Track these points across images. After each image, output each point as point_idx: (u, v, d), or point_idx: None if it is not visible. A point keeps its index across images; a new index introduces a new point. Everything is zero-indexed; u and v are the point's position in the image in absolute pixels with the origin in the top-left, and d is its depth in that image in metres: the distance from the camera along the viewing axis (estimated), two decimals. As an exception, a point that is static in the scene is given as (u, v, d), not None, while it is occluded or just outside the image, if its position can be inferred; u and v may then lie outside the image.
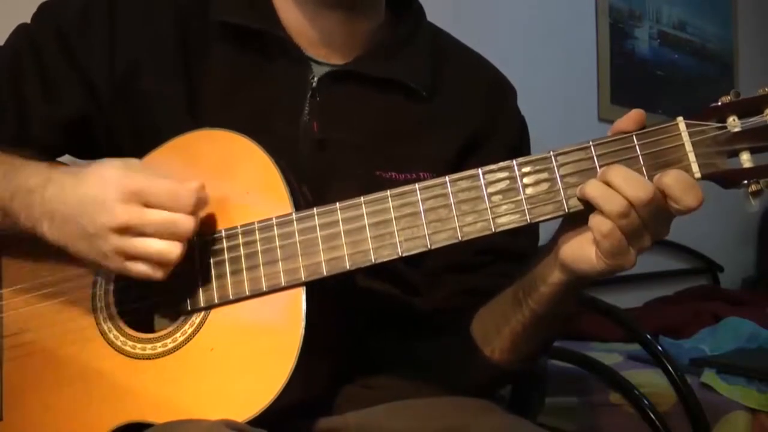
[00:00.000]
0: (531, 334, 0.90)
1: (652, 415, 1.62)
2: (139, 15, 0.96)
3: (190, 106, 0.93)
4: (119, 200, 0.78)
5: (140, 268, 0.80)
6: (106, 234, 0.79)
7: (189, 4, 0.97)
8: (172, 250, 0.79)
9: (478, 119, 1.01)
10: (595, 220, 0.76)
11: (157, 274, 0.80)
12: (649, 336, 1.75)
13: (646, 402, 1.65)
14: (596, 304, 1.84)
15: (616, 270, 0.79)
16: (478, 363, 0.95)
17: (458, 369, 0.98)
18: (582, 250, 0.79)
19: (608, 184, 0.75)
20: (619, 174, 0.75)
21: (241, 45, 0.95)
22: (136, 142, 0.93)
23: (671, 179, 0.74)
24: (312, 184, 0.88)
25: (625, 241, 0.76)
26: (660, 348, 1.70)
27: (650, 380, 1.80)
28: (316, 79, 0.96)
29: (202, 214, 0.84)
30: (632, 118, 0.78)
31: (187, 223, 0.79)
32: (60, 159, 0.99)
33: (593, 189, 0.76)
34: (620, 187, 0.74)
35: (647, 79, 3.05)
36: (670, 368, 1.64)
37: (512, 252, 0.98)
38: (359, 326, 0.91)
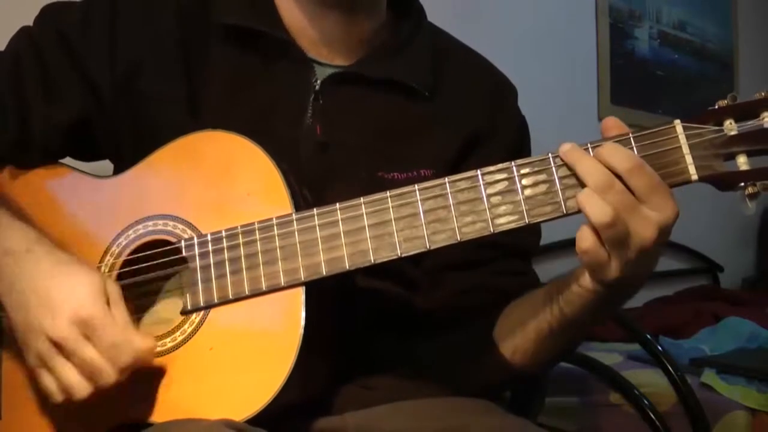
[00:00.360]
0: (556, 337, 0.89)
1: (652, 415, 1.61)
2: (140, 16, 0.96)
3: (192, 107, 0.94)
4: (68, 319, 0.79)
5: (46, 381, 0.81)
6: (39, 336, 0.80)
7: (190, 6, 0.97)
8: (81, 390, 0.79)
9: (479, 119, 1.01)
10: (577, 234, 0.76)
11: (55, 397, 0.81)
12: (649, 336, 1.75)
13: (646, 402, 1.65)
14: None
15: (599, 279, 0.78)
16: (493, 363, 0.95)
17: (467, 368, 0.98)
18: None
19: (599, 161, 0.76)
20: (605, 151, 0.75)
21: (243, 46, 0.95)
22: (136, 142, 0.93)
23: (606, 151, 0.75)
24: (314, 186, 0.88)
25: (605, 254, 0.76)
26: (660, 348, 1.70)
27: (650, 380, 1.80)
28: (318, 81, 0.96)
29: (202, 216, 0.85)
30: (610, 127, 0.79)
31: (108, 377, 0.79)
32: (62, 161, 0.99)
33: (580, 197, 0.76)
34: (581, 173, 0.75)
35: (647, 79, 3.05)
36: (670, 368, 1.64)
37: (515, 248, 0.98)
38: (359, 326, 0.91)
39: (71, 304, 0.79)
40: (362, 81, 0.96)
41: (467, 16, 2.31)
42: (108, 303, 0.80)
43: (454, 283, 0.98)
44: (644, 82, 3.02)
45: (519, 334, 0.92)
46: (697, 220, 3.00)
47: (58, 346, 0.79)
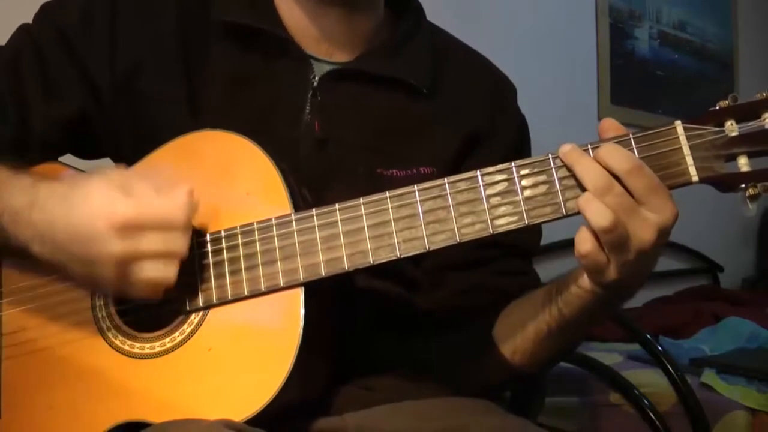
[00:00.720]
0: (555, 337, 0.89)
1: (652, 415, 1.62)
2: (140, 15, 0.96)
3: (191, 105, 0.94)
4: (113, 234, 0.77)
5: (137, 292, 0.80)
6: (104, 263, 0.78)
7: (190, 5, 0.97)
8: (168, 274, 0.79)
9: (478, 118, 1.01)
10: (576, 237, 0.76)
11: (154, 295, 0.80)
12: (649, 336, 1.75)
13: (646, 402, 1.65)
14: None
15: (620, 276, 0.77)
16: (493, 363, 0.95)
17: (467, 368, 0.97)
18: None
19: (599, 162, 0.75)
20: (605, 151, 0.75)
21: (243, 44, 0.95)
22: (136, 142, 0.93)
23: (604, 153, 0.75)
24: (313, 183, 0.88)
25: (604, 257, 0.75)
26: (660, 348, 1.70)
27: (650, 380, 1.80)
28: (317, 78, 0.96)
29: (201, 216, 0.84)
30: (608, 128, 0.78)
31: (180, 244, 0.79)
32: (61, 159, 0.99)
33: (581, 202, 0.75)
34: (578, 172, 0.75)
35: (647, 79, 3.05)
36: (670, 368, 1.64)
37: (516, 248, 0.98)
38: (358, 326, 0.91)
39: (103, 221, 0.77)
40: (361, 78, 0.96)
41: (467, 16, 2.31)
42: (124, 191, 0.79)
43: (454, 283, 0.98)
44: (644, 82, 3.02)
45: (518, 335, 0.92)
46: (697, 220, 2.99)
47: (124, 261, 0.78)
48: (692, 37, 3.31)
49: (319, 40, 0.98)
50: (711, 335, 2.20)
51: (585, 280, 0.80)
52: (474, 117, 1.01)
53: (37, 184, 0.84)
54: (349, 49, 0.99)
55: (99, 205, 0.78)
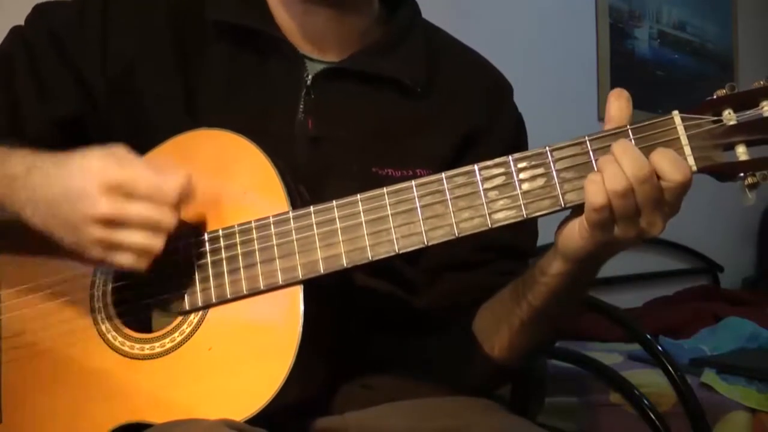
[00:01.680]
0: (528, 330, 0.90)
1: (652, 415, 1.61)
2: (133, 14, 0.96)
3: (187, 104, 0.93)
4: (102, 192, 0.78)
5: (122, 259, 0.80)
6: (88, 224, 0.79)
7: (184, 4, 0.97)
8: (154, 244, 0.79)
9: (474, 117, 1.01)
10: (591, 189, 0.75)
11: (140, 264, 0.80)
12: (649, 336, 1.75)
13: (646, 402, 1.65)
14: (596, 304, 1.83)
15: (597, 247, 0.78)
16: (478, 360, 0.95)
17: (457, 367, 0.98)
18: (570, 228, 0.79)
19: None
20: (620, 147, 0.75)
21: (237, 44, 0.95)
22: (132, 142, 0.92)
23: (659, 155, 0.75)
24: (308, 182, 0.88)
25: (611, 219, 0.75)
26: (660, 348, 1.70)
27: (650, 380, 1.80)
28: (310, 76, 0.96)
29: (199, 215, 0.84)
30: (617, 103, 0.79)
31: (168, 218, 0.79)
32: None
33: (601, 162, 0.75)
34: (620, 160, 0.74)
35: (647, 79, 3.05)
36: (670, 368, 1.64)
37: (513, 249, 0.98)
38: (358, 325, 0.91)
39: (94, 180, 0.78)
40: (354, 76, 0.96)
41: (466, 15, 2.31)
42: (120, 161, 0.80)
43: (450, 283, 0.98)
44: (644, 82, 3.02)
45: (495, 331, 0.93)
46: (697, 220, 2.99)
47: (110, 222, 0.78)
48: (692, 37, 3.31)
49: (312, 39, 0.98)
50: (711, 335, 2.20)
51: (555, 266, 0.81)
52: (470, 116, 1.01)
53: (37, 152, 0.85)
54: (342, 48, 0.98)
55: (94, 166, 0.80)
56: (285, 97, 0.95)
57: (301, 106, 0.95)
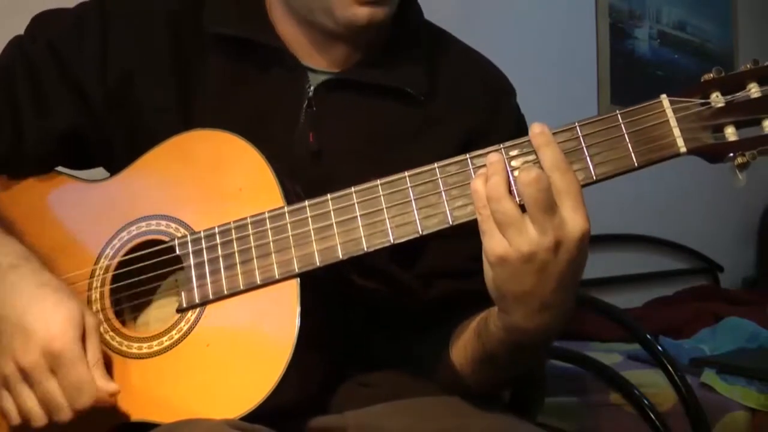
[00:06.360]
0: (481, 368, 0.88)
1: (652, 415, 1.61)
2: (131, 25, 0.96)
3: (186, 116, 0.93)
4: (38, 349, 0.78)
5: (7, 404, 0.81)
6: (8, 358, 0.79)
7: (182, 15, 0.96)
8: (37, 421, 0.79)
9: (476, 118, 1.00)
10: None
11: (13, 421, 0.81)
12: (649, 336, 1.75)
13: (646, 402, 1.65)
14: (596, 304, 1.84)
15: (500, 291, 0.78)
16: (449, 371, 0.94)
17: (445, 369, 0.97)
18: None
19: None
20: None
21: (237, 55, 0.94)
22: (130, 152, 0.92)
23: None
24: (309, 195, 0.87)
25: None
26: (660, 348, 1.70)
27: (650, 380, 1.80)
28: (312, 88, 0.95)
29: (196, 213, 0.85)
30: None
31: (64, 415, 0.79)
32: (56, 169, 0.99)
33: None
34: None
35: (647, 79, 3.05)
36: (670, 368, 1.64)
37: None
38: (356, 323, 0.91)
39: (45, 334, 0.78)
40: (356, 87, 0.95)
41: (467, 15, 2.31)
42: (83, 337, 0.80)
43: (444, 288, 0.97)
44: (644, 82, 3.02)
45: (460, 356, 0.92)
46: (697, 220, 3.00)
47: (24, 373, 0.79)
48: (692, 37, 3.31)
49: (312, 49, 0.96)
50: (711, 335, 2.21)
51: (500, 316, 0.80)
52: (472, 118, 1.00)
53: (31, 254, 0.86)
54: (344, 58, 0.97)
55: (55, 322, 0.79)
56: (285, 108, 0.94)
57: (302, 118, 0.94)
